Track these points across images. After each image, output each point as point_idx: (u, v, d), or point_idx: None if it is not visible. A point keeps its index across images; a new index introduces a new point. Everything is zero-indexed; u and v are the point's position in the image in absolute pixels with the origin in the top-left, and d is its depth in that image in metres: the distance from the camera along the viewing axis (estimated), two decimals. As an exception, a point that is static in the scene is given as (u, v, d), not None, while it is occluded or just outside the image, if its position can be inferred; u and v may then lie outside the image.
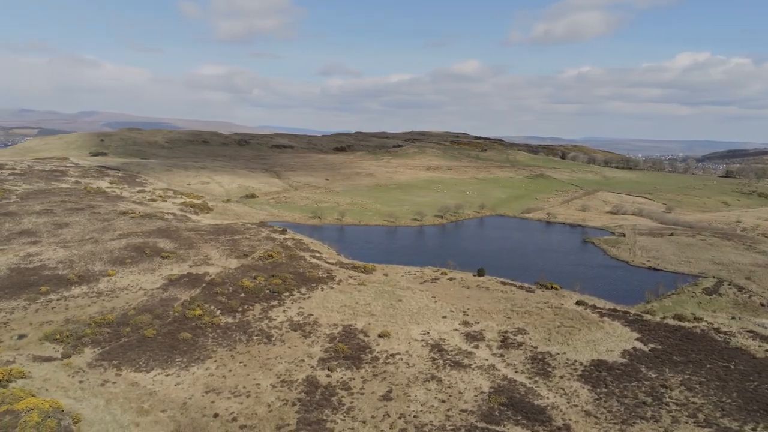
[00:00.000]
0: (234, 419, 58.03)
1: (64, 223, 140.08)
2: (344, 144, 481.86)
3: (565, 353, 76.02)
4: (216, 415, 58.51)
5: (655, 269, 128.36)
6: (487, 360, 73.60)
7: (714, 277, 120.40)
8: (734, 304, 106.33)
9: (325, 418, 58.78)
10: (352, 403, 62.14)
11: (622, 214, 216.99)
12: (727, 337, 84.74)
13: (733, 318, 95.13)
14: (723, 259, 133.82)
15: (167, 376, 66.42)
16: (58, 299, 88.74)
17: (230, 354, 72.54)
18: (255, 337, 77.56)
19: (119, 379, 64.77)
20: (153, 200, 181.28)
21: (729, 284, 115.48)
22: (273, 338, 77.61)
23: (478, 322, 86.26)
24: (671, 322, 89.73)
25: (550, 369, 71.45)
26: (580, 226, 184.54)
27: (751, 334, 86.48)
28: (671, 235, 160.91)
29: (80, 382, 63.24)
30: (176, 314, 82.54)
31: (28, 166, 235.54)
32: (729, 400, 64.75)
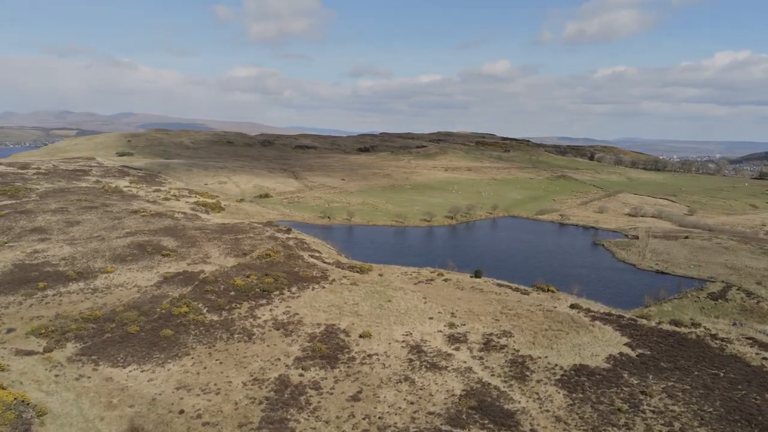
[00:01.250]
0: (198, 416, 58.47)
1: (76, 221, 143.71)
2: (368, 145, 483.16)
3: (547, 357, 74.41)
4: (182, 412, 59.06)
5: (662, 273, 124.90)
6: (465, 362, 72.55)
7: (723, 281, 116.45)
8: (741, 309, 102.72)
9: (289, 417, 58.75)
10: (319, 402, 61.97)
11: (641, 216, 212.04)
12: (724, 343, 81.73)
13: (734, 324, 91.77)
14: (736, 263, 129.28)
15: (142, 371, 67.37)
16: (53, 295, 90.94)
17: (208, 351, 73.18)
18: (236, 335, 78.08)
19: (95, 374, 65.97)
20: (166, 199, 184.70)
21: (738, 289, 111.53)
22: (254, 336, 78.02)
23: (464, 324, 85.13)
24: (666, 327, 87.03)
25: (528, 373, 70.01)
26: (593, 228, 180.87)
27: (751, 341, 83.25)
28: (686, 238, 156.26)
29: (56, 376, 64.64)
30: (163, 311, 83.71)
31: (53, 165, 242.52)
32: (711, 409, 62.38)
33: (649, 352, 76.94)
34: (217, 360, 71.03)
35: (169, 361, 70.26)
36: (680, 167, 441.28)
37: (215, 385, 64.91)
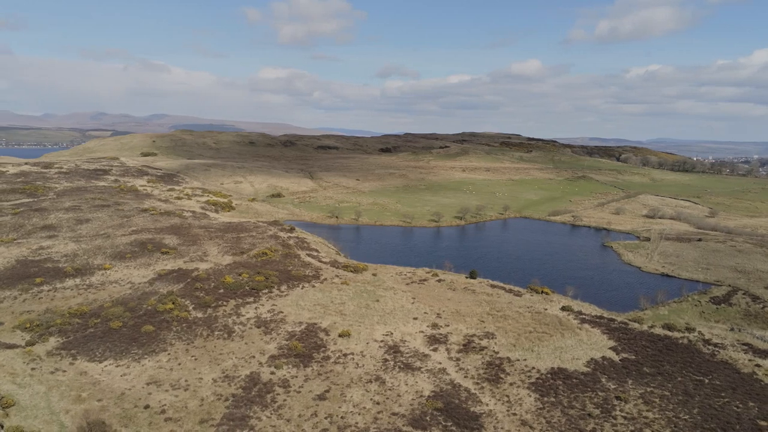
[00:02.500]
0: (163, 411, 59.03)
1: (86, 219, 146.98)
2: (390, 145, 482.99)
3: (526, 360, 72.99)
4: (147, 407, 59.70)
5: (667, 276, 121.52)
6: (440, 363, 71.68)
7: (730, 285, 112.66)
8: (744, 314, 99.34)
9: (251, 414, 58.87)
10: (285, 401, 61.95)
11: (659, 218, 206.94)
12: (716, 349, 79.01)
13: (732, 329, 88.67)
14: (747, 266, 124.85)
15: (117, 366, 68.37)
16: (48, 290, 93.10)
17: (186, 348, 73.90)
18: (216, 333, 78.67)
19: (71, 368, 67.22)
20: (179, 198, 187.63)
21: (744, 293, 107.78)
22: (234, 334, 78.50)
23: (448, 325, 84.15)
24: (658, 331, 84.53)
25: (503, 375, 68.78)
26: (605, 229, 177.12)
27: (746, 347, 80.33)
28: (699, 240, 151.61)
29: (32, 369, 66.07)
30: (148, 308, 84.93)
31: (75, 165, 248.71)
32: (686, 417, 60.31)
33: (633, 357, 74.85)
34: (192, 356, 71.67)
35: (146, 356, 71.16)
36: (709, 168, 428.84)
37: (186, 381, 65.46)
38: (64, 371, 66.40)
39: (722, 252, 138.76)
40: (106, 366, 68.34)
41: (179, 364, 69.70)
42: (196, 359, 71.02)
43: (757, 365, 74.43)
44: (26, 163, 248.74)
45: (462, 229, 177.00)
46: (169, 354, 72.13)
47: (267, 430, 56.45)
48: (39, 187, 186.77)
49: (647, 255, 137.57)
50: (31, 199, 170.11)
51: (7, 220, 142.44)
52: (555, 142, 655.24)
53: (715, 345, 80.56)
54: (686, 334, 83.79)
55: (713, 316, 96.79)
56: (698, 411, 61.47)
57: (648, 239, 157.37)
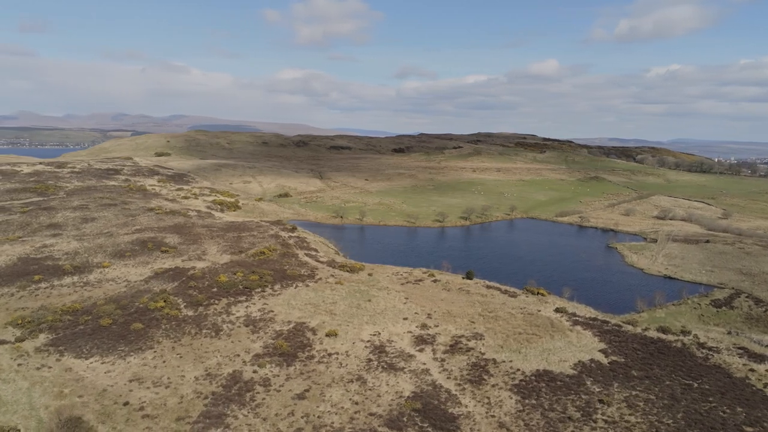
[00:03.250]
0: (141, 408, 59.47)
1: (92, 218, 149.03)
2: (403, 145, 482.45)
3: (512, 361, 72.21)
4: (126, 403, 60.20)
5: (670, 278, 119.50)
6: (424, 364, 71.22)
7: (733, 288, 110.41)
8: (746, 318, 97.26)
9: (228, 413, 59.03)
10: (263, 399, 62.02)
11: (670, 219, 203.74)
12: (710, 353, 77.40)
13: (729, 333, 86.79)
14: (753, 269, 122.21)
15: (102, 363, 69.07)
16: (45, 287, 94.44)
17: (172, 346, 74.39)
18: (204, 331, 79.08)
19: (57, 365, 68.05)
20: (185, 198, 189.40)
21: (747, 296, 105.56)
22: (221, 332, 78.86)
23: (438, 326, 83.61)
24: (651, 334, 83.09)
25: (486, 377, 68.10)
26: (611, 230, 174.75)
27: (741, 351, 78.58)
28: (707, 242, 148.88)
29: (19, 365, 67.03)
30: (140, 305, 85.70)
31: (88, 165, 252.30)
32: (670, 421, 59.11)
33: (623, 360, 73.63)
34: (178, 354, 72.12)
35: (132, 353, 71.76)
36: (727, 169, 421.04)
37: (168, 378, 65.87)
38: (50, 367, 67.25)
39: (729, 254, 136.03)
40: (91, 363, 69.07)
41: (164, 361, 70.17)
42: (181, 357, 71.46)
43: (751, 370, 72.75)
44: (41, 163, 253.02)
45: (467, 229, 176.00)
46: (155, 351, 72.66)
47: (242, 428, 56.54)
48: (50, 187, 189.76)
49: (652, 257, 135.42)
50: (41, 198, 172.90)
51: (15, 218, 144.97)
52: (571, 142, 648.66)
53: (710, 349, 78.91)
54: (680, 338, 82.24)
55: (713, 320, 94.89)
56: (683, 416, 60.22)
57: (655, 241, 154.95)
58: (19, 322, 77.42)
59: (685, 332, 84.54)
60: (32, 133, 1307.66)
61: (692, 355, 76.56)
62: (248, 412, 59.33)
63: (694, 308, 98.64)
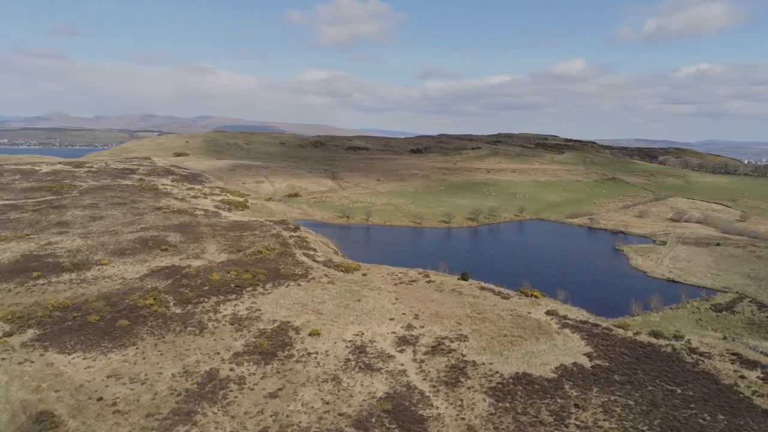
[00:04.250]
0: (114, 404, 60.13)
1: (100, 216, 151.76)
2: (422, 146, 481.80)
3: (492, 364, 71.23)
4: (100, 399, 60.94)
5: (673, 281, 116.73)
6: (402, 365, 70.68)
7: (737, 292, 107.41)
8: (747, 323, 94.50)
9: (198, 410, 59.33)
10: (236, 397, 62.21)
11: (684, 221, 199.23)
12: (701, 358, 75.37)
13: (725, 338, 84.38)
14: (761, 273, 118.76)
15: (84, 359, 70.05)
16: (42, 284, 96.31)
17: (155, 342, 75.13)
18: (189, 329, 79.70)
19: (39, 359, 69.25)
20: (195, 197, 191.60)
21: (750, 301, 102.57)
22: (206, 330, 79.39)
23: (423, 326, 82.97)
24: (642, 338, 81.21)
25: (463, 379, 67.28)
26: (621, 232, 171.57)
27: (735, 357, 76.36)
28: (717, 245, 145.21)
29: (2, 359, 68.37)
30: (130, 303, 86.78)
31: (105, 164, 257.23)
32: (645, 428, 57.63)
33: (607, 364, 72.09)
34: (159, 351, 72.79)
35: (114, 350, 72.67)
36: (753, 171, 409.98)
37: (145, 375, 66.51)
38: (32, 362, 68.46)
39: (738, 257, 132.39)
40: (73, 358, 70.11)
41: (144, 358, 70.90)
42: (161, 354, 72.12)
43: (742, 376, 70.60)
44: (60, 163, 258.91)
45: (473, 230, 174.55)
46: (137, 348, 73.48)
47: (209, 425, 56.78)
48: (65, 186, 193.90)
49: (657, 259, 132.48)
50: (54, 197, 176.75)
51: (26, 216, 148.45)
52: (594, 143, 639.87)
53: (701, 354, 76.82)
54: (672, 342, 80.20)
55: (711, 324, 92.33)
56: (660, 422, 58.63)
57: (664, 243, 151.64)
58: (10, 317, 79.01)
59: (677, 337, 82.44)
60: (63, 134, 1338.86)
61: (681, 360, 74.61)
62: (218, 410, 59.56)
63: (693, 312, 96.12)
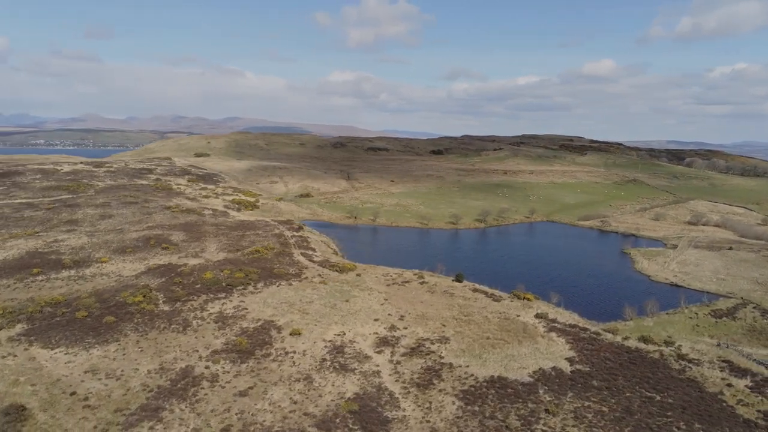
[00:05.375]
0: (86, 399, 61.10)
1: (109, 215, 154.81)
2: (442, 147, 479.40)
3: (468, 366, 70.31)
4: (73, 393, 62.00)
5: (676, 285, 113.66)
6: (377, 366, 70.28)
7: (741, 298, 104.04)
8: (748, 329, 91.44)
9: (165, 406, 59.90)
10: (205, 395, 62.62)
11: (702, 224, 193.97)
12: (689, 365, 73.25)
13: (718, 345, 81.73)
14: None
15: (66, 354, 71.38)
16: (41, 280, 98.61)
17: (137, 339, 76.14)
18: (173, 326, 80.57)
19: (23, 354, 70.81)
20: (206, 197, 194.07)
21: (754, 307, 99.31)
22: (189, 328, 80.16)
23: (407, 328, 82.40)
24: (630, 343, 79.23)
25: (436, 381, 66.55)
26: (632, 235, 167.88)
27: (725, 365, 74.08)
28: (730, 249, 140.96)
29: (-13, 353, 70.13)
30: (120, 300, 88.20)
31: (124, 164, 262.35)
32: (615, 435, 56.10)
33: (587, 369, 70.54)
34: (140, 348, 73.74)
35: (96, 345, 73.88)
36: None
37: (122, 371, 67.44)
38: (15, 356, 70.02)
39: (749, 262, 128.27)
40: (55, 353, 71.49)
41: (124, 354, 71.90)
42: (141, 350, 73.04)
43: (729, 384, 68.38)
44: (81, 162, 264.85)
45: (481, 231, 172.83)
46: (119, 344, 74.56)
47: (174, 422, 57.27)
48: (82, 185, 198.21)
49: (664, 263, 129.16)
50: (70, 196, 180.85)
51: (39, 214, 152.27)
52: (620, 144, 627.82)
53: (690, 361, 74.64)
54: (661, 348, 78.11)
55: (709, 331, 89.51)
56: (631, 430, 57.07)
57: (675, 246, 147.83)
58: (1, 312, 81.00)
59: (668, 343, 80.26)
60: (96, 135, 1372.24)
61: (667, 366, 72.57)
62: (186, 407, 60.04)
63: (690, 318, 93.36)
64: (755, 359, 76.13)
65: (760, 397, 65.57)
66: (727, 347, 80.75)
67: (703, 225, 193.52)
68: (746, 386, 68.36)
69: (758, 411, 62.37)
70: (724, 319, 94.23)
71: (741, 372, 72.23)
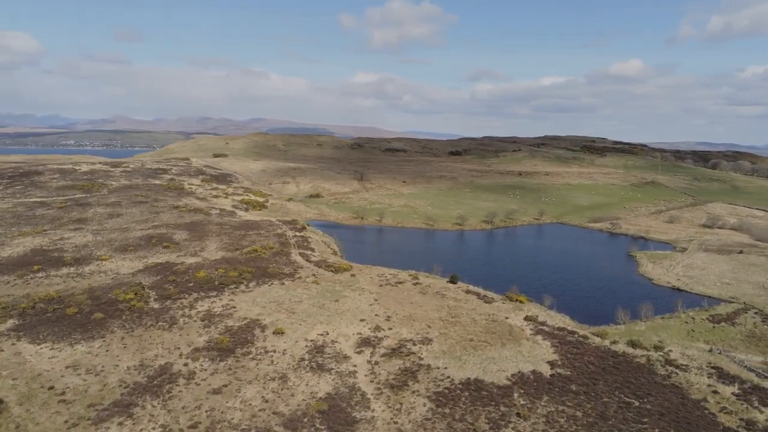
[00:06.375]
0: (62, 393, 62.16)
1: (118, 214, 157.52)
2: (461, 148, 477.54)
3: (446, 368, 69.69)
4: (51, 388, 63.12)
5: (678, 289, 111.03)
6: (354, 366, 70.09)
7: (744, 303, 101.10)
8: (747, 335, 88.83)
9: (138, 402, 60.60)
10: (179, 392, 63.19)
11: (718, 227, 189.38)
12: (676, 371, 71.57)
13: (710, 351, 79.45)
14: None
15: (51, 349, 72.75)
16: (40, 277, 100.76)
17: (123, 336, 77.21)
18: (160, 323, 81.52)
19: (9, 348, 72.37)
20: (216, 197, 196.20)
21: (756, 312, 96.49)
22: (175, 326, 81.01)
23: (392, 329, 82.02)
24: (618, 347, 77.67)
25: (411, 383, 66.09)
26: (642, 238, 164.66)
27: (714, 372, 72.13)
28: (740, 252, 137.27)
29: (-25, 347, 71.85)
30: (111, 297, 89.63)
31: (141, 164, 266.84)
32: (584, 441, 54.98)
33: (568, 373, 69.32)
34: (123, 344, 74.77)
35: (82, 341, 75.13)
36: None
37: (102, 367, 68.45)
38: (2, 351, 71.55)
39: (759, 266, 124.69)
40: (41, 348, 72.92)
41: (107, 350, 72.97)
42: (125, 347, 74.05)
43: (715, 391, 66.57)
44: (99, 162, 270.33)
45: (488, 233, 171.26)
46: (104, 340, 75.72)
47: (143, 418, 57.89)
48: (96, 184, 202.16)
49: (669, 266, 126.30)
50: (83, 195, 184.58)
51: (51, 213, 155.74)
52: (644, 146, 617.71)
53: (677, 366, 72.85)
54: (649, 353, 76.36)
55: (704, 336, 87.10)
56: (602, 435, 55.86)
57: (684, 250, 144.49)
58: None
59: (657, 348, 78.37)
60: (124, 136, 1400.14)
61: (652, 372, 70.95)
62: (158, 404, 60.64)
63: (686, 322, 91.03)
64: (747, 366, 73.83)
65: (745, 405, 63.69)
66: (719, 353, 78.47)
67: (719, 228, 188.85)
68: (733, 393, 66.45)
69: (741, 419, 60.59)
70: (723, 324, 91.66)
71: (730, 379, 70.20)
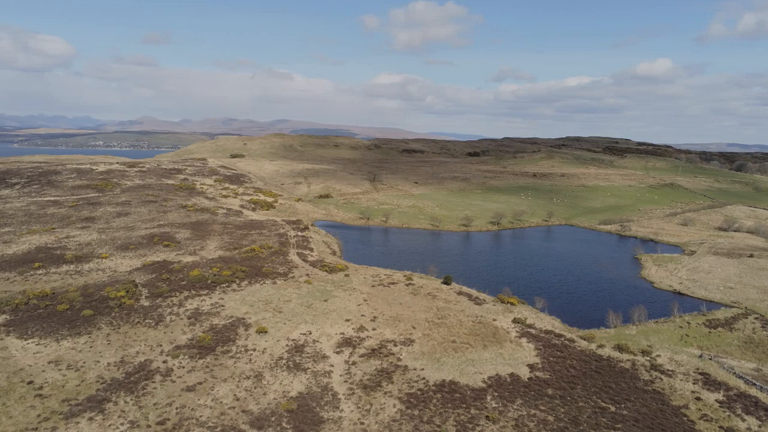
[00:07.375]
0: (40, 388, 63.26)
1: (126, 213, 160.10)
2: (480, 149, 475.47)
3: (423, 370, 69.15)
4: (30, 383, 64.29)
5: (680, 293, 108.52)
6: (331, 367, 69.97)
7: (746, 308, 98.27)
8: (745, 341, 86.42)
9: (112, 398, 61.35)
10: (154, 389, 63.80)
11: (733, 230, 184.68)
12: (661, 376, 69.93)
13: (700, 356, 77.37)
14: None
15: (37, 345, 74.13)
16: (40, 274, 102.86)
17: (108, 332, 78.33)
18: (147, 321, 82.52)
19: (-3, 343, 74.02)
20: (225, 197, 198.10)
21: (756, 318, 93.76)
22: (161, 323, 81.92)
23: (375, 329, 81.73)
24: (603, 352, 76.19)
25: (385, 384, 65.71)
26: (652, 240, 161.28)
27: (700, 378, 70.34)
28: (750, 256, 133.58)
29: (-36, 341, 73.62)
30: (103, 294, 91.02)
31: (157, 164, 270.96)
32: (551, 446, 53.96)
33: (547, 376, 68.19)
34: (108, 341, 75.85)
35: (68, 337, 76.43)
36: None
37: (83, 363, 69.52)
38: (-11, 345, 73.26)
39: (767, 270, 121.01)
40: (28, 344, 74.36)
41: (91, 347, 74.09)
42: (109, 344, 75.11)
43: (698, 398, 64.88)
44: (117, 162, 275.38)
45: (494, 234, 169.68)
46: (89, 336, 76.90)
47: (113, 414, 58.59)
48: (110, 184, 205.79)
49: (673, 270, 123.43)
50: (96, 194, 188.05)
51: (62, 211, 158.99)
52: (669, 147, 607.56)
53: (663, 372, 71.16)
54: (635, 358, 74.73)
55: (699, 341, 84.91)
56: (570, 441, 54.76)
57: (693, 253, 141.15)
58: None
59: (645, 352, 76.64)
60: (151, 137, 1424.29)
61: (635, 377, 69.40)
62: (131, 400, 61.31)
63: (680, 327, 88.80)
64: (736, 373, 71.72)
65: (727, 413, 61.92)
66: (709, 359, 76.39)
67: (734, 231, 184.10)
68: (716, 400, 64.67)
69: (720, 427, 58.91)
70: (720, 329, 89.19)
71: (716, 385, 68.31)
